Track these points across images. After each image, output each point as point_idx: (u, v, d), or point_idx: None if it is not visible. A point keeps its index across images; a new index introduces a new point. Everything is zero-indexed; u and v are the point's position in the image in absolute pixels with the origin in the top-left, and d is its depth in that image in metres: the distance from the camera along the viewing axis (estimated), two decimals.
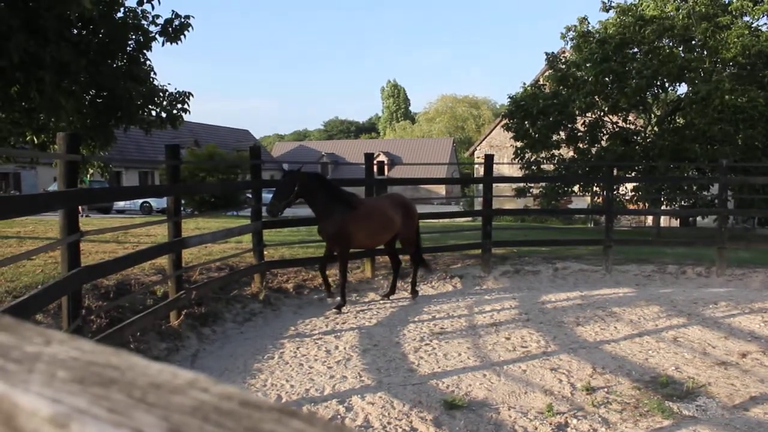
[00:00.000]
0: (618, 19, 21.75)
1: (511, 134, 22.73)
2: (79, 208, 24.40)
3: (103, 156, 13.67)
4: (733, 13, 20.82)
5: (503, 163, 26.09)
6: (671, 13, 21.14)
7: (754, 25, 21.09)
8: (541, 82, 24.41)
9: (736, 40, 19.62)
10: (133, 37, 11.75)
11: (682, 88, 21.46)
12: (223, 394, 0.53)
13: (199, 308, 8.26)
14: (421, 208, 10.91)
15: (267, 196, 11.32)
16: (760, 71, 20.36)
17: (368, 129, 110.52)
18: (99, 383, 0.52)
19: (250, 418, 0.50)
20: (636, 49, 21.42)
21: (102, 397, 0.50)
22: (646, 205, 22.39)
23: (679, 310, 9.38)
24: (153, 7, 11.85)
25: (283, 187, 8.99)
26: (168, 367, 0.56)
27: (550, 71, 23.29)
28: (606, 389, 6.01)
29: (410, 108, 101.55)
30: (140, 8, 11.77)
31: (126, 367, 0.56)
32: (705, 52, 21.10)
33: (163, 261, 8.55)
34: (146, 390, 0.52)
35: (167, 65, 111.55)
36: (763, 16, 21.10)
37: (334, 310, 9.14)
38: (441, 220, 18.44)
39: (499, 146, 37.63)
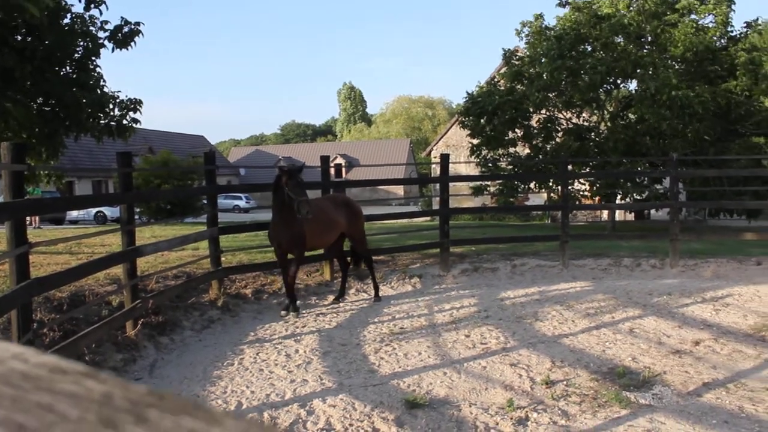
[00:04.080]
0: (573, 15, 22.08)
1: (467, 132, 22.88)
2: (31, 219, 23.40)
3: (52, 166, 13.36)
4: (680, 11, 21.31)
5: (460, 162, 26.27)
6: (623, 11, 21.55)
7: (700, 23, 21.62)
8: (496, 80, 24.62)
9: (683, 37, 20.11)
10: (81, 43, 11.51)
11: (634, 85, 21.88)
12: (38, 363, 0.58)
13: (157, 317, 8.13)
14: (379, 210, 10.91)
15: (223, 201, 11.21)
16: (708, 66, 20.89)
17: (325, 132, 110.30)
18: None
19: (51, 380, 0.55)
20: (590, 47, 21.78)
21: None
22: (602, 200, 22.75)
23: (635, 301, 9.56)
24: (101, 13, 11.65)
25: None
26: (3, 344, 0.63)
27: (505, 68, 23.50)
28: (565, 382, 6.08)
29: (367, 110, 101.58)
30: (87, 14, 11.55)
31: None
32: (655, 49, 21.57)
33: (118, 270, 8.40)
34: None
35: (118, 71, 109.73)
36: (709, 15, 21.65)
37: (292, 315, 9.03)
38: (400, 221, 18.47)
39: (456, 145, 37.86)
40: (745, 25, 22.45)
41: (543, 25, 22.88)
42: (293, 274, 9.25)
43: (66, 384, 0.55)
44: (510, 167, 22.42)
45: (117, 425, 0.49)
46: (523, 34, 23.43)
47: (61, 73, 11.37)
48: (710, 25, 21.68)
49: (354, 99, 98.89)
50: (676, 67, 21.20)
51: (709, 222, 25.53)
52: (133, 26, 11.88)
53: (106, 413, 0.50)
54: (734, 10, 21.54)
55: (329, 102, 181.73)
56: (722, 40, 22.16)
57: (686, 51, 20.29)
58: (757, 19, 22.60)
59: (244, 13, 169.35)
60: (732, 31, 22.28)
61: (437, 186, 12.96)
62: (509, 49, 23.46)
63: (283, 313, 9.13)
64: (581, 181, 22.08)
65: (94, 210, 33.97)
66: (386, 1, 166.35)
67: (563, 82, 21.20)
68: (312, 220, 8.98)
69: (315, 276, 11.16)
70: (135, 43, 11.95)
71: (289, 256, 9.37)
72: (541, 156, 22.09)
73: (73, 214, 33.48)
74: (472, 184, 22.20)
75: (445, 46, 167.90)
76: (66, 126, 11.47)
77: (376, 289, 10.23)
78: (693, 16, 21.68)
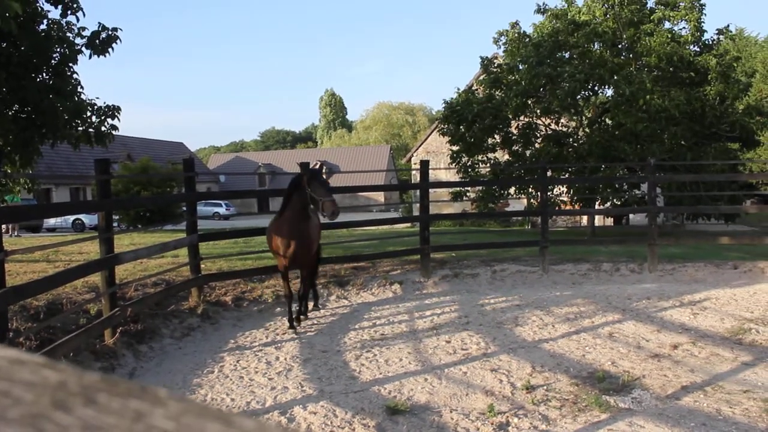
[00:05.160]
0: (550, 23, 22.26)
1: (446, 139, 22.98)
2: (8, 227, 22.96)
3: (27, 173, 13.18)
4: (655, 21, 21.59)
5: (440, 169, 26.33)
6: (599, 18, 21.76)
7: (675, 30, 21.91)
8: (474, 87, 24.73)
9: (658, 48, 20.36)
10: (58, 50, 11.37)
11: (611, 91, 22.08)
12: (2, 357, 0.63)
13: (135, 325, 8.05)
14: (360, 216, 10.89)
15: (203, 208, 11.13)
16: (682, 71, 21.17)
17: (305, 138, 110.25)
18: None
19: (10, 370, 0.59)
20: (567, 54, 21.96)
21: None
22: (581, 205, 22.89)
23: (614, 306, 9.63)
24: (78, 19, 11.52)
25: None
26: None
27: (484, 75, 23.63)
28: (545, 387, 6.11)
29: (348, 116, 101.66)
30: (65, 20, 11.43)
31: None
32: (631, 56, 21.81)
33: (97, 278, 8.33)
34: None
35: (96, 76, 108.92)
36: (682, 21, 21.95)
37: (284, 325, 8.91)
38: (380, 227, 18.47)
39: (436, 152, 37.97)
40: (717, 32, 22.79)
41: (521, 32, 23.06)
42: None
43: (24, 373, 0.59)
44: (490, 173, 22.52)
45: (68, 407, 0.53)
46: (500, 42, 23.60)
47: (38, 79, 11.22)
48: (683, 32, 21.99)
49: (335, 105, 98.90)
50: (653, 74, 21.44)
51: (687, 226, 25.79)
52: (110, 32, 11.73)
53: (59, 397, 0.54)
54: (705, 14, 21.91)
55: (309, 109, 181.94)
56: (695, 47, 22.49)
57: (660, 61, 20.56)
58: (728, 26, 22.99)
59: (224, 19, 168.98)
60: (707, 39, 22.62)
61: (417, 192, 12.94)
62: (487, 57, 23.60)
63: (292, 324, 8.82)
64: (561, 186, 22.25)
65: (71, 217, 33.65)
66: (370, 9, 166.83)
67: (542, 89, 21.37)
68: (314, 227, 8.83)
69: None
70: (113, 49, 11.82)
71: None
72: (520, 162, 22.22)
73: (51, 221, 33.12)
74: (452, 190, 22.30)
75: (425, 53, 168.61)
76: (42, 133, 11.33)
77: (316, 298, 10.18)
78: (667, 24, 21.99)
